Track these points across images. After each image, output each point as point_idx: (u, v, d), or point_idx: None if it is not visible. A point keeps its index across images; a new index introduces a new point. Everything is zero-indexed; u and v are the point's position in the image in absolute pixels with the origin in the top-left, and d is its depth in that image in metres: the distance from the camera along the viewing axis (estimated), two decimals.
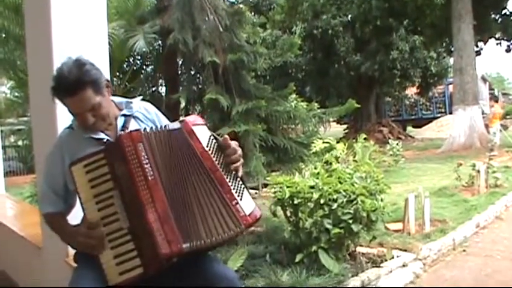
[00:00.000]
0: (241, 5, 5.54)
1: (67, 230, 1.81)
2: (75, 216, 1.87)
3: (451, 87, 21.21)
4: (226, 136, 1.77)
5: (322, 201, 3.69)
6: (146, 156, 1.62)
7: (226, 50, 5.03)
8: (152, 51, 7.20)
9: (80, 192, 1.66)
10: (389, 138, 16.89)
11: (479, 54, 18.74)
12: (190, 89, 5.38)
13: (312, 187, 3.88)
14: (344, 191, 3.75)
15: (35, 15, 2.72)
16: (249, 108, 4.70)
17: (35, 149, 2.96)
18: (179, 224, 1.61)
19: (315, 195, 3.73)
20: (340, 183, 3.89)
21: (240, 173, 1.74)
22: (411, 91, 24.73)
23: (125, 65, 8.57)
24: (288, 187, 3.90)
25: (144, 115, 1.93)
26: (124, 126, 1.83)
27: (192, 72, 5.69)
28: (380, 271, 3.62)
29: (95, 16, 2.56)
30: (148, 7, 7.61)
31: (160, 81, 7.31)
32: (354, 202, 3.67)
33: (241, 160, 1.76)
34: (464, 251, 4.58)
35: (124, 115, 1.87)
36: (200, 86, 5.41)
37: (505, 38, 18.42)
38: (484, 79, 27.91)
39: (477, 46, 17.56)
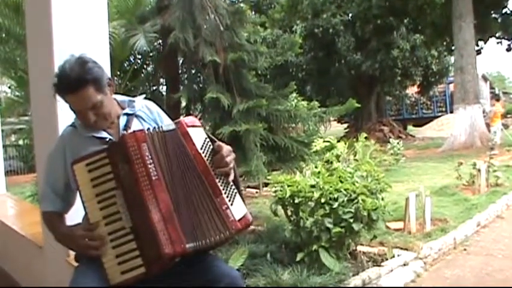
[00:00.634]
0: (241, 4, 5.53)
1: (61, 231, 1.81)
2: (75, 216, 1.88)
3: (451, 86, 21.18)
4: (220, 143, 1.75)
5: (323, 200, 3.69)
6: (150, 157, 1.62)
7: (227, 49, 5.03)
8: (153, 50, 7.21)
9: (82, 191, 1.66)
10: (390, 137, 16.87)
11: (480, 53, 18.72)
12: (191, 88, 5.38)
13: (312, 186, 3.88)
14: (345, 190, 3.75)
15: (35, 15, 2.73)
16: (249, 107, 4.70)
17: (35, 148, 2.97)
18: (182, 224, 1.61)
19: (316, 194, 3.73)
20: (341, 182, 3.89)
21: (230, 178, 1.72)
22: (412, 90, 24.72)
23: (126, 64, 8.57)
24: (288, 186, 3.90)
25: (146, 114, 1.92)
26: (127, 126, 1.83)
27: (193, 71, 5.69)
28: (380, 270, 3.61)
29: (96, 15, 2.56)
30: (148, 6, 7.61)
31: (161, 80, 7.31)
32: (355, 201, 3.67)
33: (231, 165, 1.72)
34: (465, 250, 4.58)
35: (127, 114, 1.87)
36: (201, 85, 5.41)
37: (505, 37, 18.39)
38: (484, 78, 27.88)
39: (478, 45, 17.52)
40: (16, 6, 7.20)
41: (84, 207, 1.67)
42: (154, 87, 8.06)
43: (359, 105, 5.60)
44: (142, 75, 8.75)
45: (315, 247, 3.60)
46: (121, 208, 1.62)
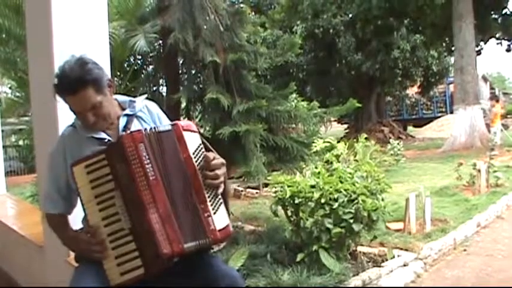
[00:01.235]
0: (241, 5, 5.53)
1: (68, 235, 1.83)
2: (75, 216, 1.88)
3: (451, 86, 21.19)
4: (211, 154, 1.74)
5: (323, 200, 3.69)
6: (147, 157, 1.62)
7: (227, 49, 5.04)
8: (153, 51, 7.20)
9: (82, 192, 1.66)
10: (390, 137, 16.85)
11: (480, 53, 18.70)
12: (191, 89, 5.39)
13: (313, 186, 3.88)
14: (345, 190, 3.75)
15: (35, 15, 2.73)
16: (249, 107, 4.71)
17: (36, 148, 2.97)
18: (180, 224, 1.61)
19: (316, 195, 3.73)
20: (341, 182, 3.89)
21: (219, 191, 1.71)
22: (412, 91, 24.72)
23: (125, 65, 8.56)
24: (288, 186, 3.90)
25: (146, 115, 1.92)
26: (126, 127, 1.82)
27: (193, 72, 5.70)
28: (380, 271, 3.62)
29: (96, 16, 2.56)
30: (148, 7, 7.61)
31: (161, 81, 7.31)
32: (355, 201, 3.67)
33: (221, 179, 1.71)
34: (465, 250, 4.58)
35: (127, 115, 1.86)
36: (201, 86, 5.42)
37: (505, 38, 18.38)
38: (484, 79, 27.84)
39: (478, 46, 17.51)
40: (16, 7, 7.20)
41: (84, 209, 1.67)
42: (154, 88, 8.05)
43: (359, 105, 5.61)
44: (142, 75, 8.75)
45: (315, 247, 3.60)
46: (120, 209, 1.62)
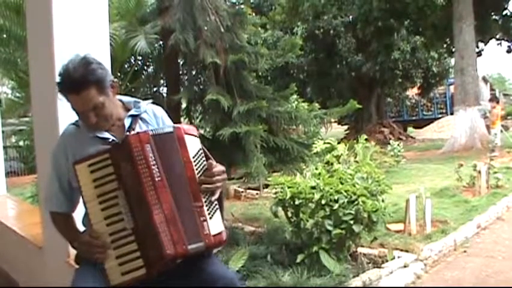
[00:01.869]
0: (242, 6, 5.53)
1: (70, 236, 1.83)
2: (75, 216, 1.89)
3: (452, 87, 21.16)
4: (213, 162, 1.76)
5: (323, 201, 3.69)
6: (153, 158, 1.63)
7: (228, 50, 5.03)
8: (154, 51, 7.22)
9: (84, 191, 1.66)
10: (390, 139, 16.83)
11: (480, 55, 18.69)
12: (191, 90, 5.39)
13: (313, 188, 3.88)
14: (345, 191, 3.75)
15: (36, 16, 2.73)
16: (250, 108, 4.71)
17: (36, 148, 2.97)
18: (183, 225, 1.61)
19: (316, 196, 3.73)
20: (341, 183, 3.89)
21: (214, 198, 1.71)
22: (413, 92, 24.70)
23: (126, 66, 8.58)
24: (289, 188, 3.90)
25: (150, 117, 1.92)
26: (130, 127, 1.83)
27: (193, 73, 5.69)
28: (381, 272, 3.61)
29: (97, 17, 2.57)
30: (149, 8, 7.62)
31: (161, 81, 7.33)
32: (356, 203, 3.67)
33: (218, 184, 1.73)
34: (465, 251, 4.57)
35: (132, 115, 1.86)
36: (201, 87, 5.41)
37: (505, 39, 18.38)
38: (485, 80, 27.81)
39: (478, 47, 17.52)
40: (17, 8, 7.20)
41: (86, 208, 1.67)
42: (155, 89, 8.07)
43: (360, 106, 5.61)
44: (143, 76, 8.77)
45: (315, 249, 3.60)
46: (123, 209, 1.62)
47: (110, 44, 2.91)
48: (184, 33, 4.89)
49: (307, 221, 3.79)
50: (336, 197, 3.70)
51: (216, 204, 1.72)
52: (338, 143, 8.62)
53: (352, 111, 5.56)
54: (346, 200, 3.69)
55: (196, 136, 1.77)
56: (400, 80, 20.17)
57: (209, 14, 5.13)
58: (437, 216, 5.38)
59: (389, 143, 11.93)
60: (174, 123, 1.90)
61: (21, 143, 13.91)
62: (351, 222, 3.60)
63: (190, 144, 1.71)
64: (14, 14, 7.30)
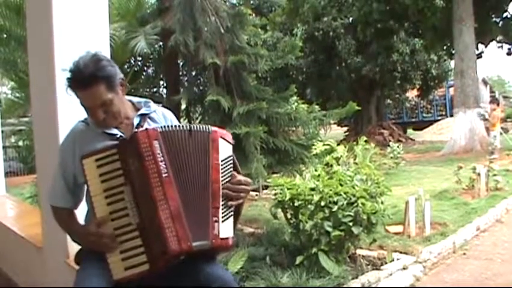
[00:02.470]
0: (242, 7, 5.52)
1: (76, 228, 1.84)
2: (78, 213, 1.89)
3: (451, 90, 21.18)
4: (242, 177, 1.79)
5: (322, 203, 3.69)
6: (161, 154, 1.63)
7: (228, 51, 5.04)
8: (154, 52, 7.22)
9: (90, 185, 1.67)
10: (390, 140, 16.86)
11: (480, 57, 18.69)
12: (191, 91, 5.39)
13: (312, 189, 3.88)
14: (345, 193, 3.75)
15: (36, 16, 2.73)
16: (250, 110, 4.71)
17: (36, 148, 2.97)
18: (189, 222, 1.61)
19: (316, 198, 3.73)
20: (341, 185, 3.89)
21: (232, 202, 1.74)
22: (412, 94, 24.72)
23: (126, 66, 8.58)
24: (288, 189, 3.90)
25: (159, 118, 1.94)
26: (139, 125, 1.84)
27: (193, 74, 5.70)
28: (380, 274, 3.61)
29: (97, 17, 2.56)
30: (149, 8, 7.62)
31: (161, 82, 7.33)
32: (355, 204, 3.67)
33: (241, 195, 1.76)
34: (464, 254, 4.57)
35: (142, 114, 1.88)
36: (201, 88, 5.42)
37: (505, 41, 18.41)
38: (484, 82, 27.86)
39: (478, 49, 17.53)
40: (17, 8, 7.21)
41: (91, 202, 1.67)
42: (154, 89, 8.07)
43: (359, 108, 5.61)
44: (143, 77, 8.76)
45: (314, 250, 3.60)
46: (128, 204, 1.63)
47: (110, 45, 2.91)
48: (184, 34, 4.90)
49: (307, 222, 3.79)
50: (335, 199, 3.70)
51: (231, 210, 1.74)
52: (338, 144, 8.64)
53: (352, 112, 5.56)
54: (345, 202, 3.69)
55: (230, 143, 1.79)
56: (400, 82, 20.17)
57: (209, 15, 5.14)
58: (436, 219, 5.38)
59: (389, 145, 11.94)
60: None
61: (20, 143, 13.90)
62: (351, 224, 3.60)
63: (222, 149, 1.73)
64: (14, 14, 7.31)
